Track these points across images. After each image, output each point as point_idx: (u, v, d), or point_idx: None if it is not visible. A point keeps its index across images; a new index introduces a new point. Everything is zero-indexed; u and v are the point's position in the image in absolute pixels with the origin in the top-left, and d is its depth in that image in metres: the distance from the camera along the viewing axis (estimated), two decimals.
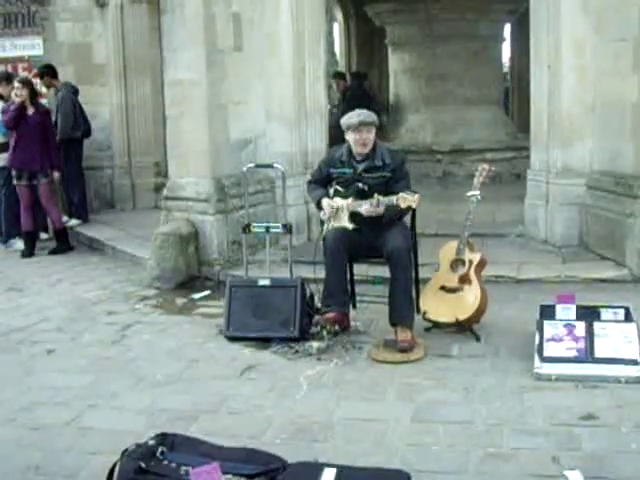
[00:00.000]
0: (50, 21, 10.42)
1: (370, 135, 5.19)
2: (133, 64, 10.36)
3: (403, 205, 4.89)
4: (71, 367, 4.96)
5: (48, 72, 9.68)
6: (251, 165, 6.60)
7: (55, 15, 10.38)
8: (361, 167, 5.24)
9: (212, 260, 7.03)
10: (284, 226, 5.88)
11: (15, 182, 8.57)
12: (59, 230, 8.82)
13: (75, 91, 9.66)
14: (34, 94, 8.63)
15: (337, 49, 17.49)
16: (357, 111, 5.31)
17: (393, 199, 4.92)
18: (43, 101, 9.57)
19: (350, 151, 5.28)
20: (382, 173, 5.21)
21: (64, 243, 8.76)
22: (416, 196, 4.87)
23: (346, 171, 5.28)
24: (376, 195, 5.00)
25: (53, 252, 8.61)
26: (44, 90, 10.09)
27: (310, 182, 5.64)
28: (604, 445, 3.61)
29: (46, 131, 8.67)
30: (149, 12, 10.11)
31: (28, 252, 8.56)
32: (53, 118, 9.34)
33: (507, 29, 13.29)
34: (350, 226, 5.19)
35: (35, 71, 10.33)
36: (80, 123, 9.62)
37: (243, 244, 6.11)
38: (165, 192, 7.56)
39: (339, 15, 16.00)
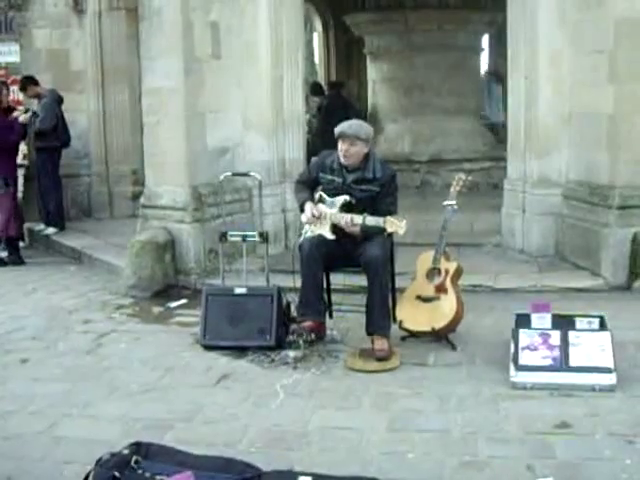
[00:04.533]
0: (27, 27, 10.30)
1: (352, 148, 5.09)
2: (111, 71, 10.28)
3: (390, 229, 4.83)
4: (46, 376, 4.91)
5: (29, 82, 9.50)
6: (228, 174, 6.60)
7: (32, 22, 10.26)
8: (351, 178, 5.17)
9: (189, 269, 7.00)
10: (261, 235, 5.88)
11: None
12: None
13: (60, 100, 9.55)
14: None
15: (317, 59, 17.54)
16: (349, 121, 5.26)
17: (380, 221, 4.85)
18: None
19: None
20: (370, 186, 5.13)
21: None
22: (404, 222, 4.78)
23: (335, 179, 5.22)
24: (365, 214, 4.95)
25: None
26: (21, 98, 9.97)
27: (298, 182, 5.58)
28: (578, 453, 3.64)
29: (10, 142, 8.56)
30: (127, 19, 10.03)
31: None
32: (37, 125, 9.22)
33: (485, 40, 13.39)
34: (331, 237, 5.16)
35: (13, 77, 10.22)
36: (60, 132, 9.53)
37: (220, 253, 6.10)
38: (142, 200, 7.52)
39: (318, 25, 16.07)
